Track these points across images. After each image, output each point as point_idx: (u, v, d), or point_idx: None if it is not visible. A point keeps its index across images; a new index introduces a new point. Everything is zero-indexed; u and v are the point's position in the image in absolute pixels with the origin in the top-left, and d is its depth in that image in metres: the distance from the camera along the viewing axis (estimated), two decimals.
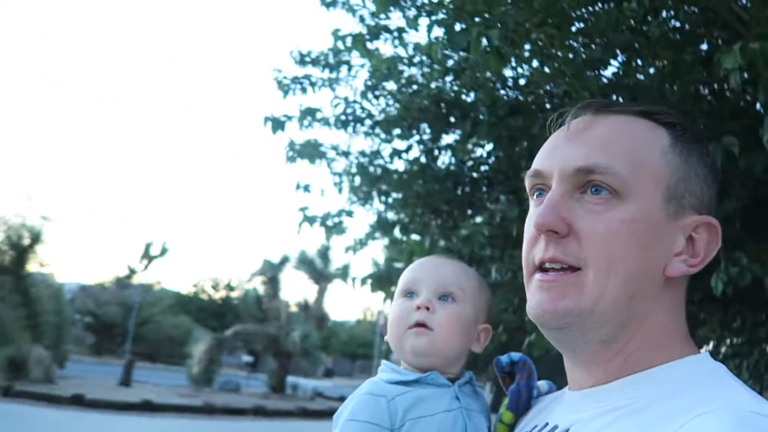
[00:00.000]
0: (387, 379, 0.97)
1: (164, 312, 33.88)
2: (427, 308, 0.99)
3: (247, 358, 27.28)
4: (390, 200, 4.96)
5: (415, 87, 4.10)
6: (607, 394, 0.73)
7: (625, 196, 0.71)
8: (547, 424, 0.81)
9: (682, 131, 0.77)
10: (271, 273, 22.96)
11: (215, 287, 44.29)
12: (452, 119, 4.14)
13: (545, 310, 0.73)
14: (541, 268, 0.75)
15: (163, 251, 21.15)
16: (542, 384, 1.00)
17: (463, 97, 4.06)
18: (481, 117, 3.86)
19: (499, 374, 0.99)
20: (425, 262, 1.09)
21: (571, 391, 0.82)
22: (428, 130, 4.46)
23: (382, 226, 5.22)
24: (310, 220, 4.61)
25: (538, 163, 0.79)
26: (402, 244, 5.71)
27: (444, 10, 2.88)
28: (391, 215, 5.21)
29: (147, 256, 20.65)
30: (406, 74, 4.12)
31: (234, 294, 41.86)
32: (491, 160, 4.61)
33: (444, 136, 4.57)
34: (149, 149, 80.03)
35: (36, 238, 17.94)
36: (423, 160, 4.64)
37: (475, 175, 4.63)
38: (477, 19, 2.60)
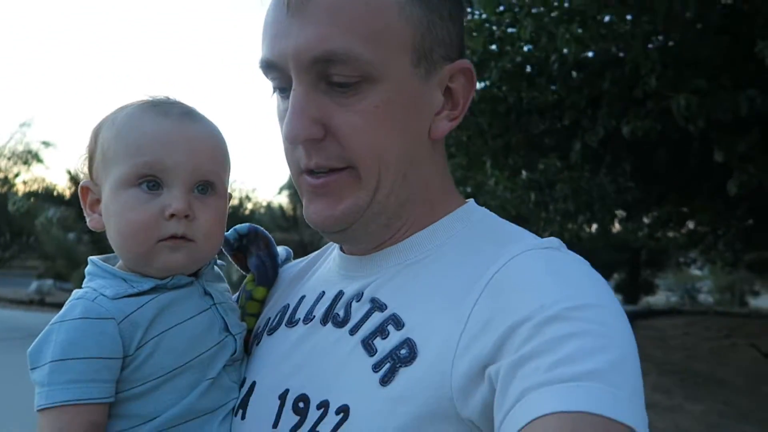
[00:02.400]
0: (112, 293, 0.72)
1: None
2: (186, 216, 0.74)
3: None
4: None
5: None
6: (397, 254, 0.72)
7: (373, 78, 0.65)
8: (323, 292, 0.77)
9: None
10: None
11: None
12: None
13: (325, 217, 0.70)
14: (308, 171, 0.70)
15: None
16: (280, 251, 0.94)
17: None
18: None
19: (229, 252, 0.89)
20: (167, 128, 0.75)
21: (346, 254, 0.78)
22: None
23: None
24: None
25: (267, 50, 0.69)
26: None
27: None
28: None
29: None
30: None
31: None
32: None
33: None
34: None
35: None
36: None
37: None
38: None
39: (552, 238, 0.68)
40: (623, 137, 6.39)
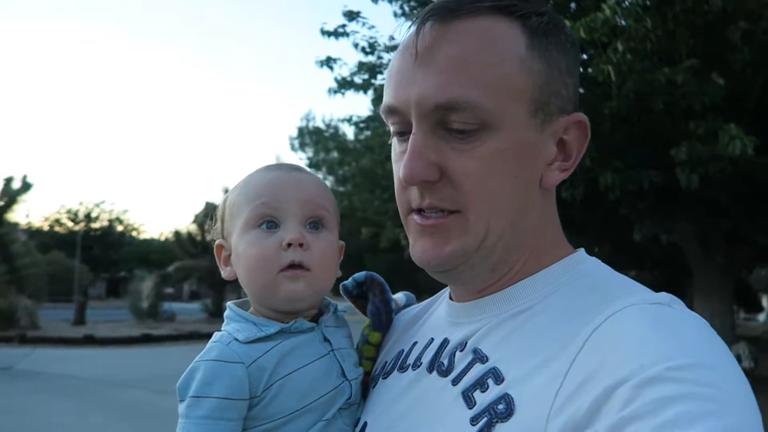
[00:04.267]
0: (243, 337, 0.78)
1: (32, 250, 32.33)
2: (301, 245, 0.80)
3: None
4: None
5: None
6: (501, 302, 0.72)
7: (491, 126, 0.67)
8: (432, 339, 0.78)
9: (538, 21, 0.70)
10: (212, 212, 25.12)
11: (73, 219, 44.00)
12: None
13: (431, 257, 0.71)
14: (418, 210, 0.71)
15: (26, 186, 20.79)
16: (399, 296, 0.98)
17: None
18: None
19: (349, 299, 0.93)
20: (278, 176, 0.84)
21: (455, 301, 0.79)
22: None
23: None
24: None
25: (390, 96, 0.72)
26: None
27: None
28: None
29: (8, 193, 20.31)
30: None
31: (95, 225, 42.30)
32: None
33: None
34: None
35: None
36: None
37: None
38: None
39: (664, 293, 0.65)
40: (561, 198, 8.51)
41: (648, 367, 0.53)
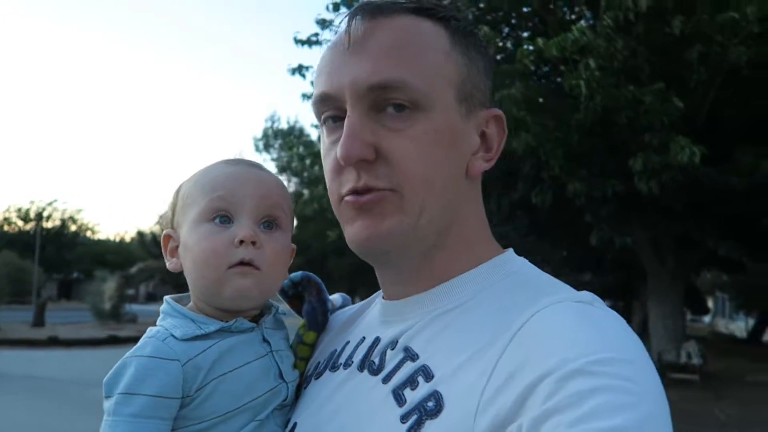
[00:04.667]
0: (180, 334, 0.76)
1: None
2: (254, 243, 0.78)
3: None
4: None
5: None
6: (431, 300, 0.73)
7: (423, 106, 0.69)
8: (363, 338, 0.78)
9: (457, 26, 0.74)
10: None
11: (24, 218, 42.76)
12: None
13: (369, 234, 0.70)
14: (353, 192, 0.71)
15: None
16: (336, 297, 0.99)
17: None
18: None
19: (285, 299, 0.94)
20: (237, 171, 0.83)
21: (386, 300, 0.79)
22: None
23: None
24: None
25: (323, 84, 0.72)
26: None
27: None
28: None
29: None
30: None
31: (48, 224, 40.94)
32: None
33: None
34: None
35: None
36: None
37: None
38: None
39: (586, 292, 0.67)
40: (530, 203, 9.02)
41: (570, 360, 0.55)
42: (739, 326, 27.70)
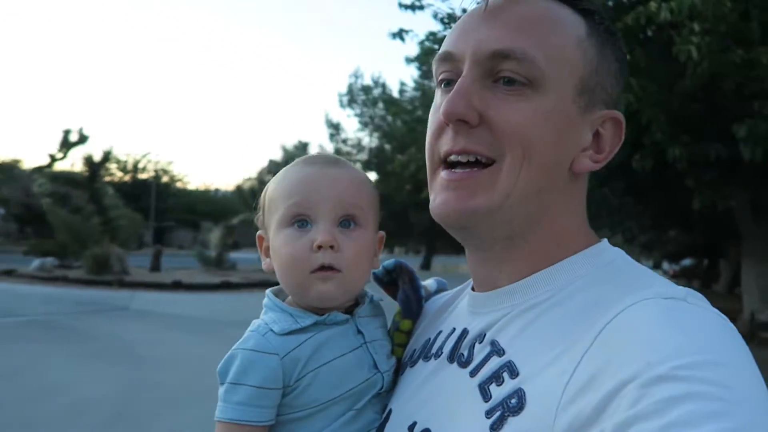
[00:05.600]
0: (279, 329, 0.81)
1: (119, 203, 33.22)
2: (332, 246, 0.81)
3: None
4: None
5: None
6: (520, 292, 0.72)
7: (539, 86, 0.68)
8: (454, 329, 0.79)
9: (600, 21, 0.73)
10: (277, 171, 26.95)
11: (123, 170, 45.72)
12: None
13: (452, 209, 0.70)
14: (448, 162, 0.71)
15: (83, 138, 22.01)
16: (430, 282, 1.00)
17: None
18: None
19: (381, 287, 0.96)
20: (312, 173, 0.85)
21: (476, 291, 0.79)
22: None
23: None
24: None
25: (449, 44, 0.73)
26: None
27: None
28: None
29: (66, 145, 21.73)
30: None
31: (143, 176, 43.67)
32: None
33: None
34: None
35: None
36: None
37: None
38: None
39: (682, 288, 0.64)
40: (631, 167, 9.30)
41: (655, 365, 0.52)
42: None
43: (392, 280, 0.96)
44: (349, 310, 0.87)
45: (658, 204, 12.74)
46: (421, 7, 10.91)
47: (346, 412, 0.81)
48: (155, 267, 21.66)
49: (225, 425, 0.78)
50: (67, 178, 20.10)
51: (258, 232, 0.91)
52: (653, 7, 7.36)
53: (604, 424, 0.53)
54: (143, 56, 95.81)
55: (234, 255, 25.13)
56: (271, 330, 0.81)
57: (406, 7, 11.01)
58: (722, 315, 0.61)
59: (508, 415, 0.62)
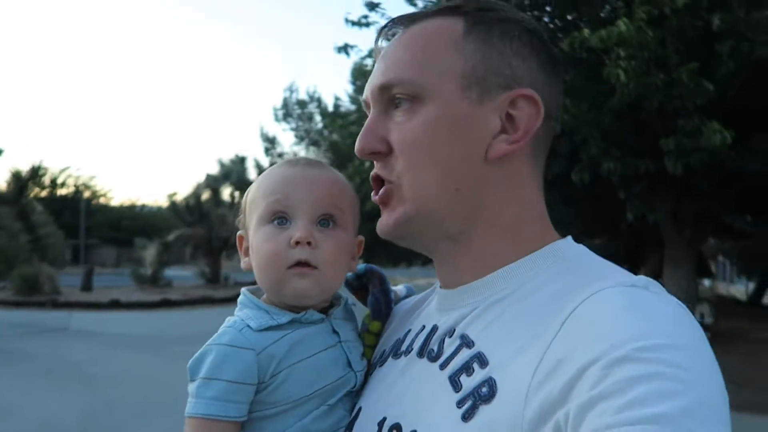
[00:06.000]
0: (255, 325, 0.82)
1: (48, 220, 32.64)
2: (309, 243, 0.82)
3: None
4: None
5: None
6: (488, 287, 0.74)
7: (422, 99, 0.73)
8: (423, 327, 0.81)
9: (481, 15, 0.76)
10: (215, 185, 26.62)
11: (40, 185, 42.81)
12: None
13: (383, 227, 0.78)
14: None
15: None
16: (400, 288, 1.03)
17: None
18: None
19: (351, 291, 0.98)
20: (294, 173, 0.87)
21: (442, 289, 0.82)
22: None
23: None
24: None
25: (364, 93, 0.81)
26: None
27: None
28: None
29: None
30: None
31: (62, 191, 41.95)
32: None
33: None
34: None
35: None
36: None
37: None
38: None
39: (643, 276, 0.66)
40: (570, 180, 10.01)
41: (618, 347, 0.55)
42: (739, 289, 28.92)
43: (362, 284, 0.97)
44: (324, 312, 0.88)
45: (589, 213, 13.69)
46: (368, 25, 11.33)
47: (318, 407, 0.82)
48: (87, 286, 20.69)
49: (197, 421, 0.77)
50: None
51: (238, 233, 0.93)
52: (586, 34, 8.10)
53: (570, 404, 0.55)
54: (63, 65, 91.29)
55: (169, 272, 24.48)
56: (248, 326, 0.82)
57: (353, 23, 11.38)
58: (681, 303, 0.64)
59: (480, 404, 0.64)
